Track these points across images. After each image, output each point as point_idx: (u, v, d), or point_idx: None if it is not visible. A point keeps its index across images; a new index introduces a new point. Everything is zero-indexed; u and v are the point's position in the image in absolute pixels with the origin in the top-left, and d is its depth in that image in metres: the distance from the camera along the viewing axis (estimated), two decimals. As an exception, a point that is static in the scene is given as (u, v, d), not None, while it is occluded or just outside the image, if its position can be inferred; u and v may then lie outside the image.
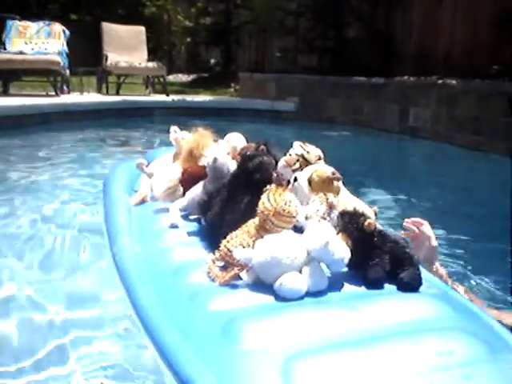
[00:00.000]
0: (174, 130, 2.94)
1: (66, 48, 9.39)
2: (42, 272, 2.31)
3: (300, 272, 1.57)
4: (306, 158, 2.25)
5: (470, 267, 2.75)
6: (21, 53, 8.71)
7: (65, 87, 9.39)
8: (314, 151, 2.29)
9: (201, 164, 2.41)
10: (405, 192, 4.53)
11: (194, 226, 2.19)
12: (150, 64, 10.18)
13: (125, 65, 9.93)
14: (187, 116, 8.64)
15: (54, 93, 8.77)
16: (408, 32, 10.36)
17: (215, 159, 2.18)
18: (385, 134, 8.44)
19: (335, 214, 1.79)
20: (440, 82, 8.00)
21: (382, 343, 1.34)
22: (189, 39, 16.06)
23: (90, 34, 13.83)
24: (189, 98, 10.21)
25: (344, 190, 2.09)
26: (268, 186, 1.80)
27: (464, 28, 9.29)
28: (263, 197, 1.72)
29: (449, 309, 1.55)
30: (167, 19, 16.31)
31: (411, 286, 1.62)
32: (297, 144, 2.32)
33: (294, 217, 1.70)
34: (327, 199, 1.85)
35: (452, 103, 7.69)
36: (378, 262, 1.64)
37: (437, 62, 9.43)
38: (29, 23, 9.54)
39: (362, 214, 1.71)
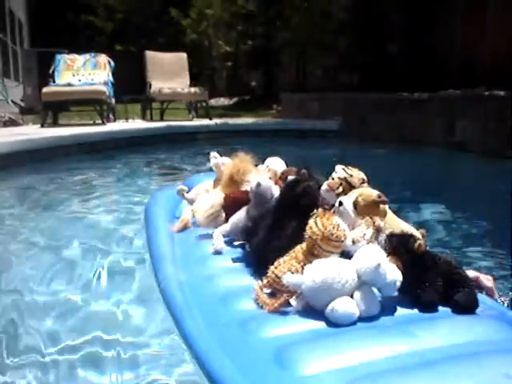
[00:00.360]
0: (214, 155, 2.94)
1: (111, 78, 9.67)
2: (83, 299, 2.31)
3: (351, 296, 1.54)
4: (349, 182, 2.22)
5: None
6: (69, 85, 9.00)
7: (110, 115, 9.65)
8: (357, 174, 2.25)
9: (243, 189, 2.43)
10: (454, 211, 4.37)
11: (238, 252, 2.16)
12: (193, 89, 10.34)
13: (168, 91, 10.11)
14: (230, 139, 8.71)
15: (100, 121, 9.01)
16: (451, 44, 10.19)
17: (258, 184, 2.17)
18: (431, 150, 8.23)
19: (383, 237, 1.77)
20: (487, 93, 7.78)
21: (445, 367, 1.28)
22: (229, 63, 16.29)
23: (134, 63, 14.20)
24: (231, 121, 10.29)
25: (390, 213, 2.04)
26: (315, 211, 1.77)
27: (508, 38, 9.06)
28: (311, 221, 1.70)
29: (510, 330, 1.49)
30: (208, 45, 16.62)
31: (468, 307, 1.58)
32: (339, 167, 2.29)
33: (343, 241, 1.68)
34: (374, 223, 1.83)
35: (501, 115, 7.45)
36: (430, 284, 1.60)
37: (481, 74, 9.22)
38: (76, 56, 9.89)
39: (411, 236, 1.69)
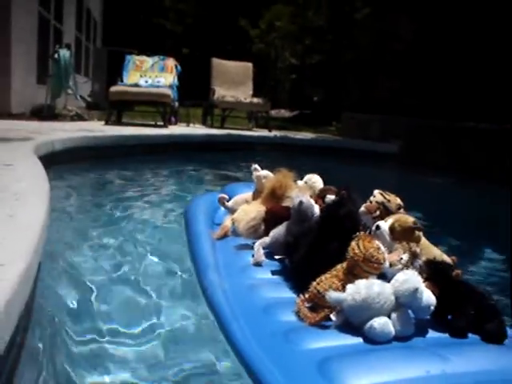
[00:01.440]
0: (256, 168, 3.01)
1: (177, 81, 9.84)
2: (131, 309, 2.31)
3: (388, 317, 1.65)
4: (386, 207, 2.32)
5: None
6: (136, 85, 9.22)
7: (172, 118, 9.81)
8: (394, 200, 2.35)
9: (284, 204, 2.54)
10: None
11: (277, 266, 2.26)
12: (255, 100, 10.39)
13: (231, 99, 10.19)
14: (288, 152, 8.69)
15: (162, 123, 9.17)
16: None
17: (301, 203, 2.26)
18: (494, 186, 7.90)
19: (418, 262, 1.88)
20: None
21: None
22: (294, 76, 16.31)
23: (199, 68, 14.44)
24: (290, 134, 10.27)
25: (424, 239, 2.16)
26: (357, 233, 1.90)
27: None
28: (353, 243, 1.82)
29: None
30: (274, 56, 16.70)
31: (497, 338, 1.67)
32: (377, 192, 2.38)
33: (382, 264, 1.81)
34: (410, 248, 1.93)
35: None
36: (463, 311, 1.70)
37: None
38: (145, 57, 10.13)
39: (450, 265, 1.85)
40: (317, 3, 15.20)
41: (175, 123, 9.89)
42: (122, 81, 9.49)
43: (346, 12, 14.47)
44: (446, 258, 2.06)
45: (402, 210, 2.32)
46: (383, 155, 9.29)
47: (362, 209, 2.31)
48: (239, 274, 2.20)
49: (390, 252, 1.92)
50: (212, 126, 10.42)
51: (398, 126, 10.19)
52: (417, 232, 2.09)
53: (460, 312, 1.71)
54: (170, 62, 10.09)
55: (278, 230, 2.34)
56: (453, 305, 1.73)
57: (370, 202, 2.33)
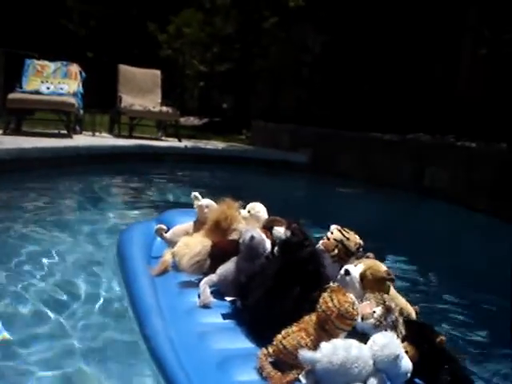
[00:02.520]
0: (196, 195, 2.87)
1: (81, 89, 9.38)
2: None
3: (364, 382, 1.56)
4: (345, 245, 2.15)
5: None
6: (36, 92, 8.69)
7: (77, 127, 9.35)
8: (354, 239, 2.18)
9: (230, 238, 2.39)
10: (416, 258, 4.36)
11: (227, 308, 2.06)
12: (165, 108, 10.15)
13: (139, 108, 9.89)
14: (199, 163, 8.57)
15: (65, 131, 8.71)
16: (425, 88, 10.38)
17: (252, 238, 2.11)
18: (399, 193, 8.26)
19: (392, 318, 1.77)
20: (459, 143, 7.90)
21: None
22: (202, 83, 16.15)
23: (105, 73, 13.91)
24: (201, 144, 10.13)
25: (392, 289, 2.03)
26: (331, 284, 1.77)
27: (480, 92, 9.29)
28: (326, 296, 1.67)
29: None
30: (182, 62, 16.46)
31: None
32: (335, 228, 2.21)
33: (356, 320, 1.69)
34: (384, 301, 1.80)
35: (470, 165, 7.56)
36: (441, 378, 1.68)
37: (453, 121, 9.40)
38: (46, 63, 9.56)
39: (433, 330, 1.77)
40: (225, 11, 15.17)
41: (80, 132, 9.42)
42: (21, 87, 8.90)
43: (254, 20, 14.54)
44: (411, 309, 2.01)
45: (361, 250, 2.18)
46: (294, 165, 9.40)
47: (319, 246, 2.14)
48: (186, 319, 1.99)
49: (360, 301, 1.81)
50: (119, 135, 10.05)
51: (307, 135, 10.37)
52: (388, 282, 1.97)
53: (438, 379, 1.68)
54: (74, 68, 9.59)
55: (227, 267, 2.18)
56: (431, 371, 1.69)
57: (327, 239, 2.16)
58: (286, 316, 1.72)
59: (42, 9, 22.04)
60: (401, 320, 1.78)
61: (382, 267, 1.98)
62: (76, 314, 2.43)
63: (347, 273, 1.94)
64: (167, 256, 2.55)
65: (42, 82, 9.14)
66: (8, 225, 3.86)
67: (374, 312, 1.76)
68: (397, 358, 1.56)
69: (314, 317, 1.69)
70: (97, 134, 9.76)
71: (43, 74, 9.31)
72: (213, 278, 2.20)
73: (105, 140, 9.08)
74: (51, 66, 9.50)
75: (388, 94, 10.49)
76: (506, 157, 7.11)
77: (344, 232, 2.19)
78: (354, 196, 8.06)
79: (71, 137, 8.52)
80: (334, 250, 2.14)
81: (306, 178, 9.09)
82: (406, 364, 1.60)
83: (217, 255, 2.31)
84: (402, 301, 2.04)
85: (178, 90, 16.18)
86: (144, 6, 20.24)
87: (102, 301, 2.57)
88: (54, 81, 9.21)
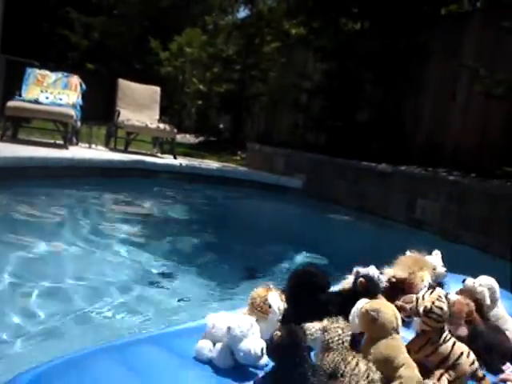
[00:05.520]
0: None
1: (80, 100, 9.44)
2: None
3: None
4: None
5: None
6: (35, 101, 8.73)
7: (74, 138, 9.37)
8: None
9: None
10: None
11: None
12: (162, 125, 10.20)
13: (137, 124, 9.93)
14: (193, 182, 8.61)
15: (61, 141, 8.74)
16: (418, 122, 10.54)
17: None
18: (389, 223, 8.33)
19: None
20: (451, 178, 8.00)
21: None
22: (200, 102, 16.29)
23: (104, 85, 13.99)
24: (196, 162, 10.18)
25: None
26: None
27: (475, 126, 9.44)
28: None
29: None
30: (181, 80, 16.61)
31: None
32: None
33: None
34: None
35: (462, 201, 7.64)
36: None
37: (445, 156, 9.53)
38: (47, 72, 9.63)
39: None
40: (227, 33, 15.38)
41: (76, 143, 9.45)
42: (20, 95, 8.93)
43: (255, 44, 14.75)
44: None
45: None
46: (289, 190, 9.48)
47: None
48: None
49: None
50: (115, 149, 10.08)
51: (302, 160, 10.45)
52: None
53: None
54: (75, 80, 9.67)
55: None
56: None
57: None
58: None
59: (44, 17, 22.19)
60: None
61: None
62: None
63: None
64: None
65: (42, 91, 9.19)
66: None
67: None
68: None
69: None
70: (93, 146, 9.79)
71: (43, 83, 9.37)
72: None
73: (100, 153, 9.10)
74: (52, 76, 9.57)
75: (384, 125, 10.62)
76: (497, 193, 7.21)
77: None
78: (342, 224, 8.13)
79: (67, 148, 8.54)
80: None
81: (298, 202, 9.16)
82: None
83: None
84: None
85: (176, 107, 16.30)
86: (148, 22, 20.46)
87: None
88: (54, 91, 9.26)
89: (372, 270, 2.10)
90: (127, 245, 4.44)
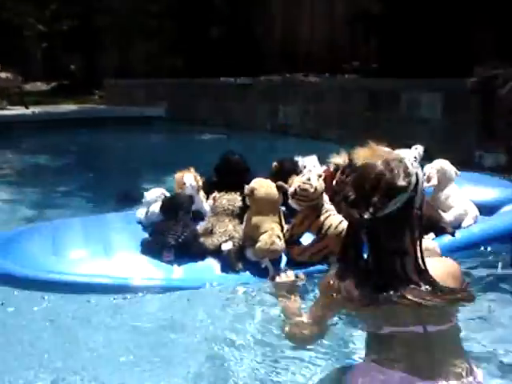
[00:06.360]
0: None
1: None
2: None
3: None
4: None
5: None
6: None
7: None
8: None
9: None
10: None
11: None
12: (3, 74, 9.43)
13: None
14: (51, 129, 8.14)
15: None
16: (270, 31, 10.66)
17: None
18: (257, 134, 8.49)
19: None
20: (305, 79, 8.27)
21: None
22: (45, 44, 15.11)
23: None
24: (50, 108, 9.61)
25: None
26: None
27: (323, 25, 9.74)
28: None
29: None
30: (18, 23, 15.18)
31: None
32: None
33: None
34: None
35: (318, 99, 7.96)
36: None
37: (300, 59, 9.80)
38: None
39: None
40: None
41: None
42: None
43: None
44: None
45: None
46: (151, 119, 9.30)
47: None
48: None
49: None
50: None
51: (162, 88, 10.24)
52: None
53: None
54: None
55: None
56: None
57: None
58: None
59: None
60: None
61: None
62: None
63: None
64: None
65: None
66: None
67: None
68: None
69: None
70: None
71: None
72: None
73: None
74: None
75: (236, 39, 10.59)
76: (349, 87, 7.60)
77: None
78: (212, 142, 8.16)
79: None
80: None
81: (164, 130, 9.06)
82: None
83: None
84: None
85: (18, 54, 14.99)
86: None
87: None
88: None
89: (312, 159, 3.00)
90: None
